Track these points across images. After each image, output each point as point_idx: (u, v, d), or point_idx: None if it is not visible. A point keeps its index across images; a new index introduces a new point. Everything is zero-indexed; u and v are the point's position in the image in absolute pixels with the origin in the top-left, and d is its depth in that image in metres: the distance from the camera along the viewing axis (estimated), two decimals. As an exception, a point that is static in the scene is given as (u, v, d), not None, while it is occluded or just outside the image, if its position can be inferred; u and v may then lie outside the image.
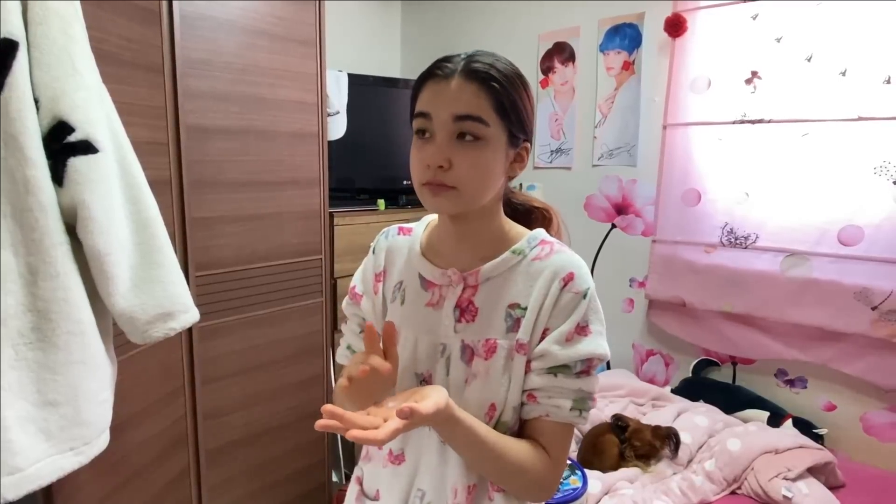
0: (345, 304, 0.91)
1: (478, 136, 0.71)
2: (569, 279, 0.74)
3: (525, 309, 0.75)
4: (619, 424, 1.81)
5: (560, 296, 0.74)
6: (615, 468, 1.73)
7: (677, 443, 1.75)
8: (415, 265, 0.84)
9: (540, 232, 0.82)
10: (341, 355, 0.93)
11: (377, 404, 0.66)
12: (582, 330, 0.74)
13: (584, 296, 0.74)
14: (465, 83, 0.70)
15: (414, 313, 0.81)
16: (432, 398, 0.63)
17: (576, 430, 1.85)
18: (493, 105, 0.71)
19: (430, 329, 0.79)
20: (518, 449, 0.73)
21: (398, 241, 0.88)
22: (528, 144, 0.78)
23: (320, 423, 0.59)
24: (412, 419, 0.59)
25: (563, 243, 0.82)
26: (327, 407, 0.59)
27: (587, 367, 0.74)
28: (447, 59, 0.73)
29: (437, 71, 0.72)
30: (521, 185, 2.62)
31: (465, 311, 0.78)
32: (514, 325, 0.75)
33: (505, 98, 0.71)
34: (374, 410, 0.63)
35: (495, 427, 0.75)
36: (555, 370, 0.74)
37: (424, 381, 0.79)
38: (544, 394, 0.74)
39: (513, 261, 0.78)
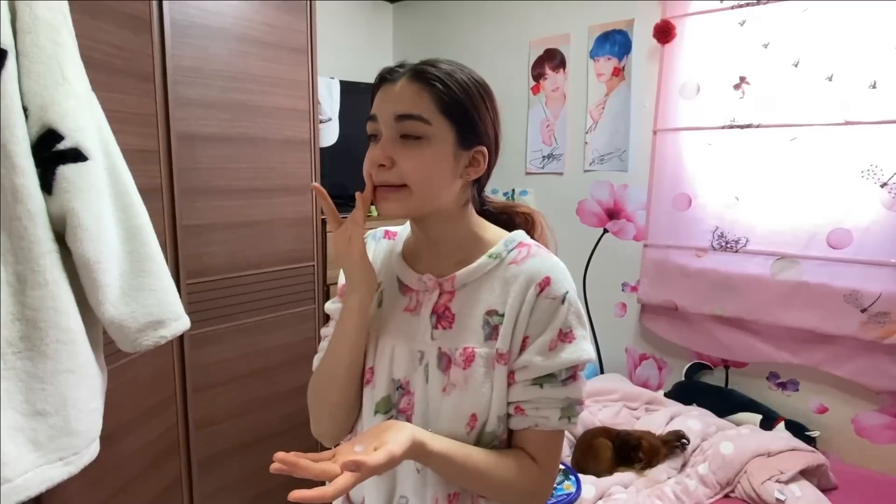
0: (329, 304, 0.88)
1: (418, 136, 0.70)
2: (545, 284, 0.72)
3: (503, 316, 0.73)
4: (629, 444, 1.77)
5: (537, 302, 0.72)
6: (609, 473, 1.73)
7: (685, 443, 1.78)
8: (394, 268, 0.83)
9: (518, 234, 0.80)
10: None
11: (347, 444, 0.65)
12: (565, 337, 0.72)
13: (563, 300, 0.72)
14: (409, 83, 0.71)
15: (392, 318, 0.80)
16: (388, 447, 0.61)
17: (569, 434, 1.86)
18: (435, 104, 0.70)
19: (409, 336, 0.77)
20: (502, 464, 0.72)
21: (381, 244, 0.88)
22: (485, 149, 0.75)
23: (274, 468, 0.58)
24: (361, 472, 0.57)
25: (543, 246, 0.79)
26: (279, 454, 0.58)
27: (573, 373, 0.73)
28: (400, 64, 0.74)
29: (387, 75, 0.74)
30: (513, 190, 2.63)
31: (441, 317, 0.76)
32: (493, 332, 0.73)
33: (448, 97, 0.70)
34: (341, 451, 0.62)
35: (480, 437, 0.74)
36: (540, 381, 0.72)
37: (402, 387, 0.77)
38: (531, 405, 0.72)
39: (489, 265, 0.76)
